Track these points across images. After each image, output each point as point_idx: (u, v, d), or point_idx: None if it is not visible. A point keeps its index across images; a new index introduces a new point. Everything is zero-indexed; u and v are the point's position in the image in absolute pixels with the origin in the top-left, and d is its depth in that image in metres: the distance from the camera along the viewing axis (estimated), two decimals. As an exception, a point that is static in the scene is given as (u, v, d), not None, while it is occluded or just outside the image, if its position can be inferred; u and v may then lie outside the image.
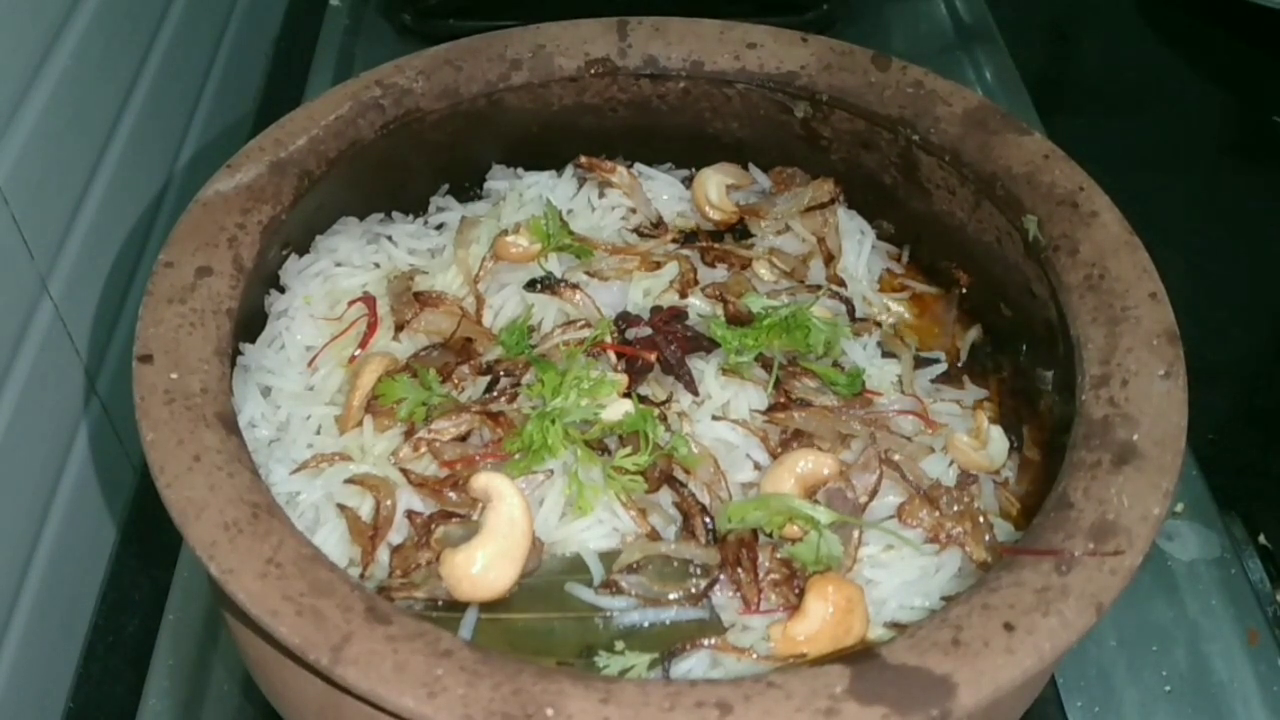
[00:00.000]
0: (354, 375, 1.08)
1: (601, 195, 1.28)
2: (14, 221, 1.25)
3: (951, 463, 1.06)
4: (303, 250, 1.19)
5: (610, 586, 0.96)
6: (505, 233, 1.19)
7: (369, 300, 1.15)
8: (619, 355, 1.09)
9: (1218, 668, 1.21)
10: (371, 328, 1.14)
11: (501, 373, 1.08)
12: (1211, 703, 1.19)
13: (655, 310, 1.14)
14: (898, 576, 0.97)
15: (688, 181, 1.30)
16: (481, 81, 1.24)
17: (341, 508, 1.01)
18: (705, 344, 1.10)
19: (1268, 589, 1.28)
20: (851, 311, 1.18)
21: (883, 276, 1.26)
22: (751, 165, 1.30)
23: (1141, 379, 0.96)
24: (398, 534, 1.00)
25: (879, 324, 1.19)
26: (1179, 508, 1.33)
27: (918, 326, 1.22)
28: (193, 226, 1.06)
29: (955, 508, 0.99)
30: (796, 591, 0.94)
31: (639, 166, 1.30)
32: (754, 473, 1.04)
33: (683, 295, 1.17)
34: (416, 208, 1.29)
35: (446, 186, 1.31)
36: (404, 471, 1.03)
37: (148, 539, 1.49)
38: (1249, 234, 1.84)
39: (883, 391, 1.11)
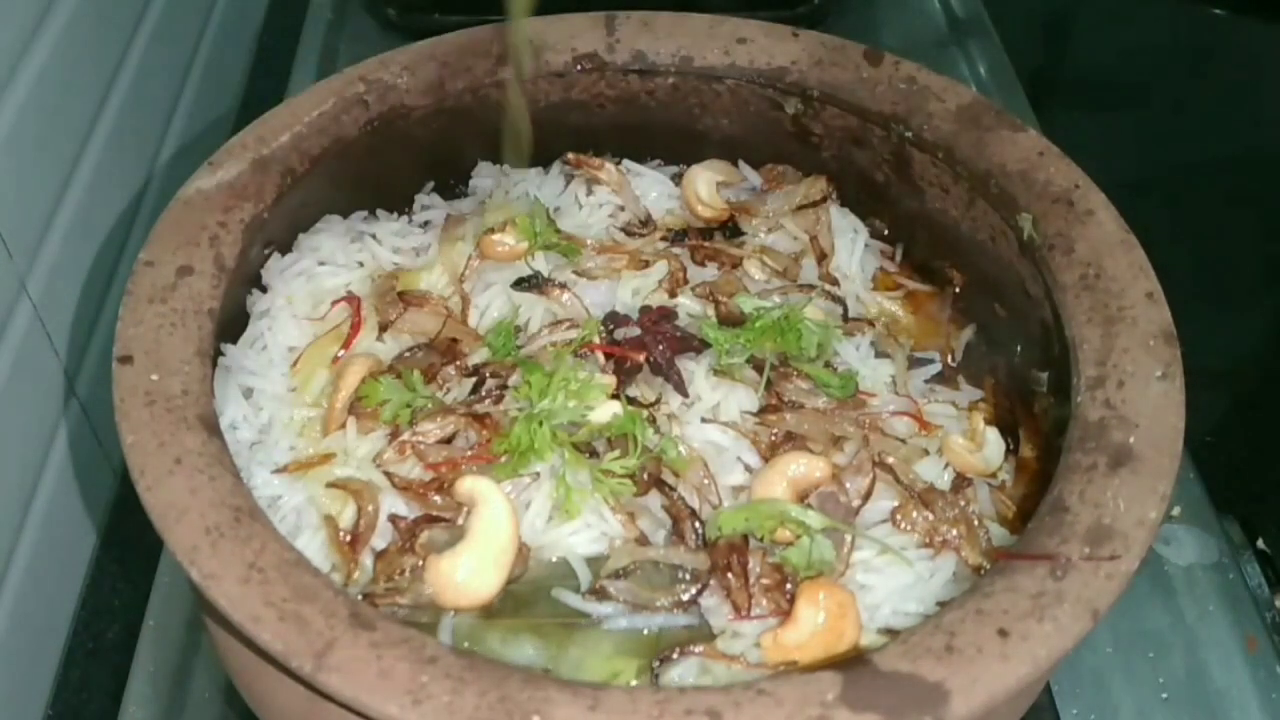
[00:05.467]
0: (337, 376, 1.07)
1: (589, 193, 1.27)
2: (-10, 220, 1.23)
3: (946, 465, 1.05)
4: (285, 249, 1.18)
5: (598, 592, 0.95)
6: (491, 231, 1.18)
7: (353, 300, 1.14)
8: (607, 356, 1.08)
9: (1215, 675, 1.20)
10: (355, 328, 1.13)
11: (488, 374, 1.07)
12: (1209, 710, 1.18)
13: (644, 310, 1.13)
14: (891, 581, 0.96)
15: (677, 178, 1.29)
16: (467, 77, 1.23)
17: (324, 518, 0.99)
18: (695, 344, 1.09)
19: (1266, 594, 1.27)
20: (845, 311, 1.17)
21: (876, 275, 1.25)
22: (742, 162, 1.30)
23: (1138, 380, 0.95)
24: (381, 539, 0.98)
25: (872, 324, 1.18)
26: (1176, 511, 1.32)
27: (912, 326, 1.21)
28: (173, 225, 1.05)
29: (950, 512, 0.98)
30: (787, 597, 0.93)
31: (627, 163, 1.29)
32: (744, 475, 1.03)
33: (672, 295, 1.16)
34: (401, 205, 1.28)
35: (432, 184, 1.30)
36: (388, 475, 1.01)
37: (128, 543, 1.48)
38: (1248, 233, 1.84)
39: (876, 392, 1.10)
